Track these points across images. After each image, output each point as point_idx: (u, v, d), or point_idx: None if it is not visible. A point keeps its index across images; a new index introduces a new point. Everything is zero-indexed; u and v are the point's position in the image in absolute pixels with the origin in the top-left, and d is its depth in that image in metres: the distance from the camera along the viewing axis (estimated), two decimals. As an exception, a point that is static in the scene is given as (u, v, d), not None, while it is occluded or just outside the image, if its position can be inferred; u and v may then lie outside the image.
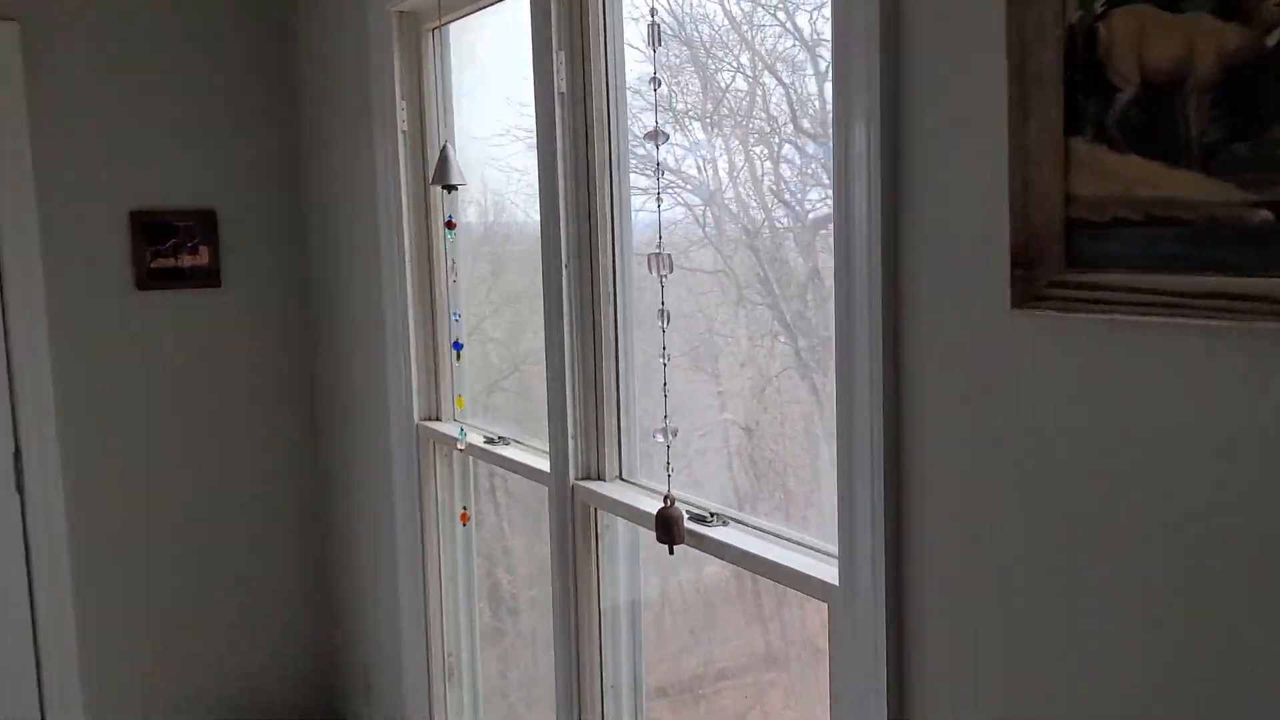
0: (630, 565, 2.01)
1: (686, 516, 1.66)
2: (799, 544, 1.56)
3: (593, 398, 1.97)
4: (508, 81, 2.28)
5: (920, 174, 1.16)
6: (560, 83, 1.89)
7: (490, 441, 2.34)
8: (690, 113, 1.82)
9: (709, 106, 1.79)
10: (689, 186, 1.84)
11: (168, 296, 3.13)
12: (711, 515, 1.68)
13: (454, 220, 2.35)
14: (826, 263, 1.50)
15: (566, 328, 1.94)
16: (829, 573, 1.39)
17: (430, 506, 2.60)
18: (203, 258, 3.15)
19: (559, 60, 1.89)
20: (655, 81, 1.59)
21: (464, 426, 2.38)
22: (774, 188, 1.69)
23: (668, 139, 1.61)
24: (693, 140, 1.80)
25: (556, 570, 2.02)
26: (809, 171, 1.57)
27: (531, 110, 1.97)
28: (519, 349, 2.58)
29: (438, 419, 2.64)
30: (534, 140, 1.97)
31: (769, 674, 2.00)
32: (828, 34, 1.32)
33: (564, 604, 2.01)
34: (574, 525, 1.98)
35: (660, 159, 1.59)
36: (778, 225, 1.69)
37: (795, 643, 1.88)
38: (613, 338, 1.95)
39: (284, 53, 3.23)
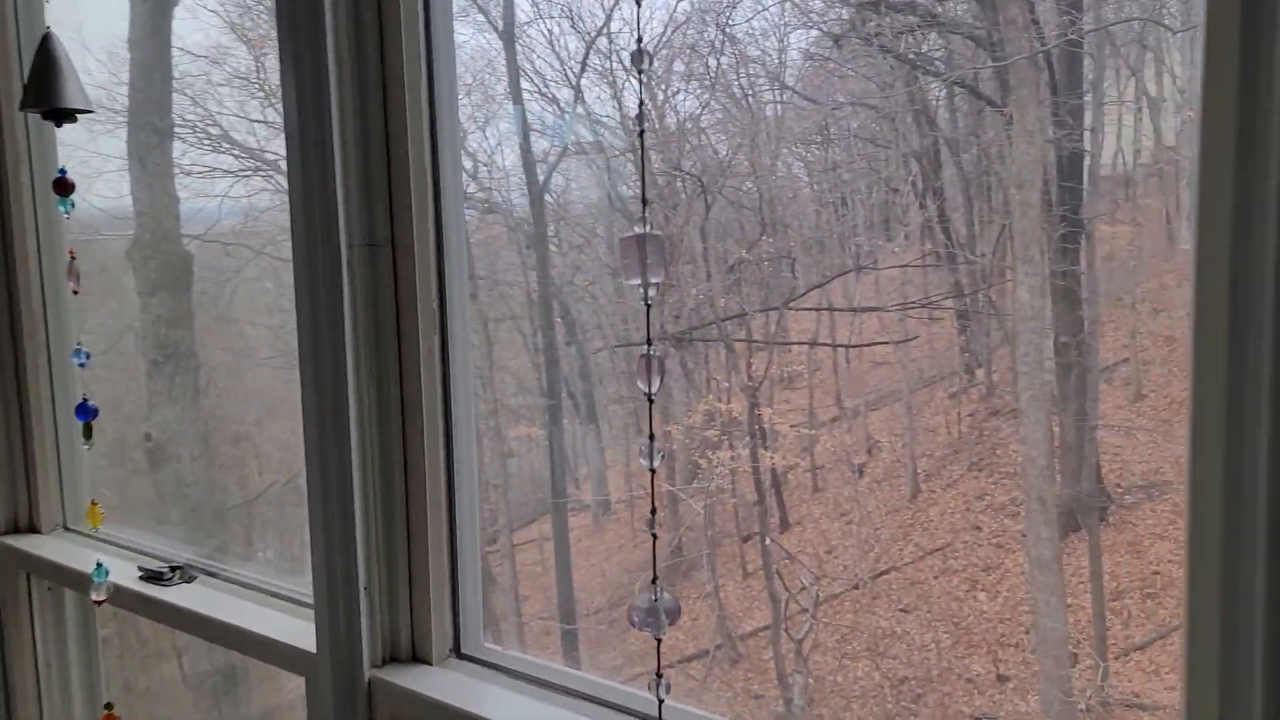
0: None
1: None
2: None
3: (400, 510, 1.03)
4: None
5: None
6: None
7: (156, 578, 1.28)
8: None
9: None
10: (282, 170, 1.37)
11: None
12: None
13: (70, 179, 1.27)
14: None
15: (351, 374, 0.99)
16: None
17: (27, 702, 1.44)
18: None
19: None
20: None
21: (102, 562, 1.28)
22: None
23: (652, 61, 0.76)
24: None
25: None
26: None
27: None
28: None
29: (34, 530, 1.51)
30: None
31: None
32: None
33: None
34: (368, 758, 1.03)
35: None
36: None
37: None
38: (438, 392, 1.03)
39: None
